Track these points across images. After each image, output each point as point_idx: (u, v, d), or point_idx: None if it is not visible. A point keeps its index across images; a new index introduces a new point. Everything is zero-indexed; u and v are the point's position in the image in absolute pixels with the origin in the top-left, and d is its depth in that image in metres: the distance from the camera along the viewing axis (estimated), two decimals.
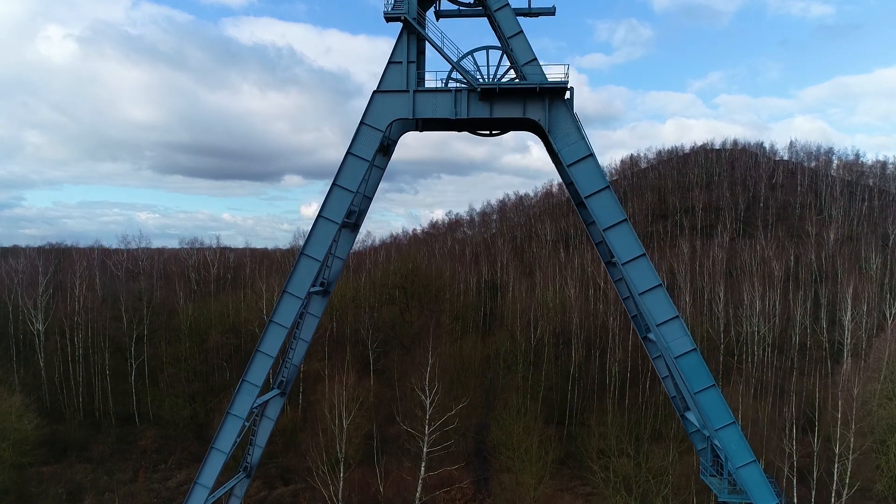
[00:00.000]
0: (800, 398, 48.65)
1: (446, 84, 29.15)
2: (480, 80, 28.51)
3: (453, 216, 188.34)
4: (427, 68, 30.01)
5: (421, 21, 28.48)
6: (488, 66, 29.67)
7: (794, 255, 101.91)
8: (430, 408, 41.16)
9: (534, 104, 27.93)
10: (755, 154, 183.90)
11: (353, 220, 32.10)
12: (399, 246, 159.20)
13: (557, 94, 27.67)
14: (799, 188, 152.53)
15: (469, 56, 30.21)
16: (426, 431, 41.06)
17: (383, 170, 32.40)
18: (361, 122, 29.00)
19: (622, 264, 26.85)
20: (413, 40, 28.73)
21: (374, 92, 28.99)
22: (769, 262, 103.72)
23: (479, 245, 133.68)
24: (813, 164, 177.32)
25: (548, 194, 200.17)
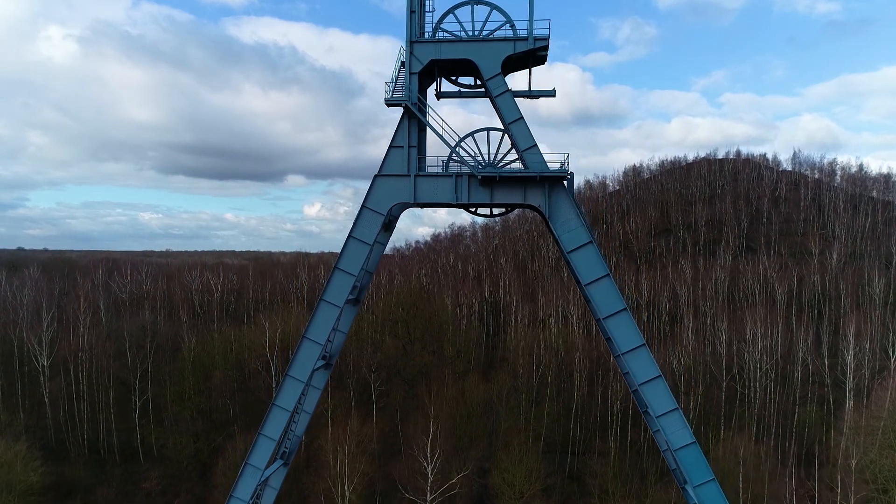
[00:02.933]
0: (799, 457, 48.73)
1: (447, 167, 29.35)
2: (481, 164, 28.81)
3: (456, 228, 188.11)
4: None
5: (421, 107, 28.69)
6: (489, 148, 29.97)
7: (798, 276, 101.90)
8: (431, 475, 41.46)
9: (534, 190, 28.13)
10: (758, 165, 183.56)
11: (356, 296, 32.30)
12: (403, 259, 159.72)
13: (557, 180, 27.86)
14: (802, 202, 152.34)
15: (470, 136, 30.60)
16: (428, 499, 41.34)
17: (385, 245, 32.66)
18: (363, 206, 29.29)
19: (622, 353, 27.03)
20: (414, 125, 28.95)
21: (376, 176, 29.21)
22: (771, 283, 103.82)
23: (482, 262, 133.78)
24: (816, 174, 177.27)
25: None
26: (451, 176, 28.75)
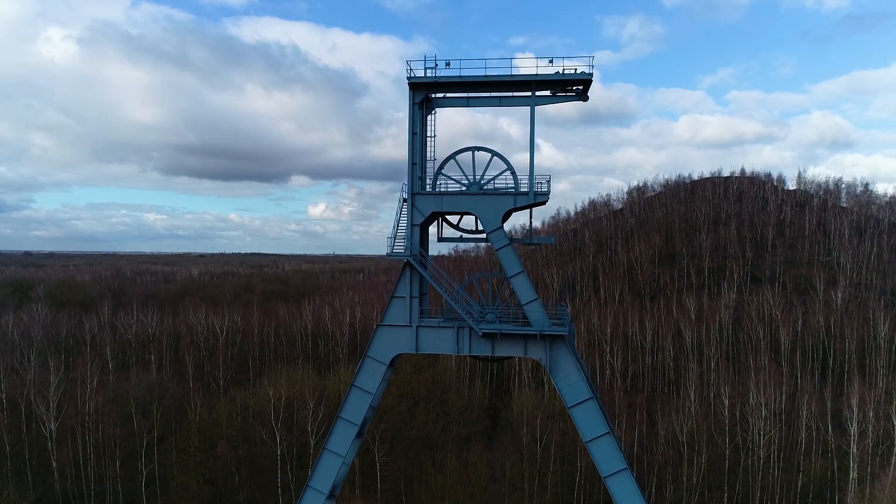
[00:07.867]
0: None
1: (447, 317, 29.64)
2: (484, 309, 29.13)
3: (460, 251, 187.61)
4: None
5: (423, 260, 28.97)
6: (491, 288, 30.28)
7: (803, 316, 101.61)
8: None
9: (535, 345, 28.35)
10: (763, 185, 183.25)
11: (359, 429, 32.55)
12: None
13: (558, 336, 28.05)
14: (807, 227, 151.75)
15: (472, 282, 30.93)
16: None
17: (388, 381, 32.89)
18: (365, 356, 29.63)
19: None
20: (416, 276, 29.23)
21: (379, 326, 29.57)
22: (776, 321, 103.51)
23: None
24: (822, 194, 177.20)
25: (555, 228, 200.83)
26: (453, 328, 29.03)
